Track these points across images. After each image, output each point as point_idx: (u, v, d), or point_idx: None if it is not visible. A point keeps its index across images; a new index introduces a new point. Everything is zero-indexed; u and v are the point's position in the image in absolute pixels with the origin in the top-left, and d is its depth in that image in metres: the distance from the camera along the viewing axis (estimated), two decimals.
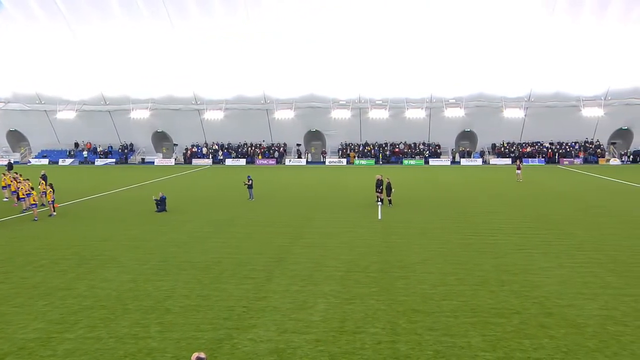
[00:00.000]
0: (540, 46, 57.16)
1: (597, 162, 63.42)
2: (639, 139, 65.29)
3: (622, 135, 66.53)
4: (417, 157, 66.59)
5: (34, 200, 27.85)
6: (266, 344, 11.08)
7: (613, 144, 67.28)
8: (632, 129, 65.30)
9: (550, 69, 59.19)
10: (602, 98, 62.57)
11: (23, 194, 29.53)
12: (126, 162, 69.85)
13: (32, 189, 29.52)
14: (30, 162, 69.55)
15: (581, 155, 64.43)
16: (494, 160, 65.26)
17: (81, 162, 69.63)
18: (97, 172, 57.40)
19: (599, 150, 65.19)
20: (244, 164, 67.34)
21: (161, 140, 72.92)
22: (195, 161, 68.44)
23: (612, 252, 18.43)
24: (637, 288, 14.49)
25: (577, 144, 66.07)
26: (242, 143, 70.53)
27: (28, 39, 60.66)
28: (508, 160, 64.22)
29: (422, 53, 58.29)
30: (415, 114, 65.39)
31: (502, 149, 66.54)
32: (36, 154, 71.57)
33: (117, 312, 13.04)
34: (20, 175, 32.18)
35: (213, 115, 67.42)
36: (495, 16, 55.45)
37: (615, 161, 63.69)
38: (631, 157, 64.24)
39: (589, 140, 66.37)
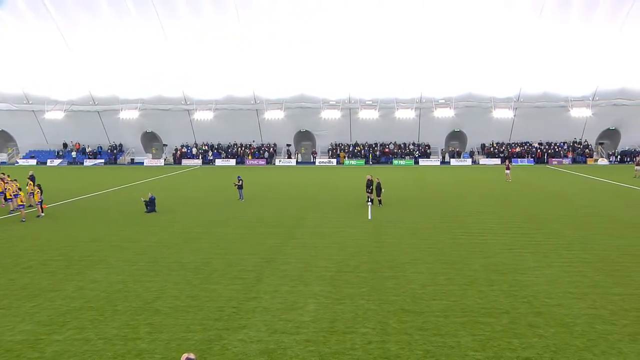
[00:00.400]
0: (528, 47, 57.55)
1: (585, 162, 63.93)
2: (626, 139, 65.95)
3: (610, 135, 67.15)
4: (406, 157, 66.77)
5: (21, 201, 27.62)
6: (256, 345, 11.05)
7: (601, 144, 67.91)
8: (619, 129, 65.94)
9: (539, 70, 59.64)
10: (590, 98, 63.15)
11: (10, 195, 29.29)
12: (115, 163, 69.51)
13: (20, 189, 29.28)
14: (18, 162, 69.02)
15: (570, 155, 64.92)
16: (483, 161, 65.58)
17: (70, 163, 69.19)
18: (86, 172, 57.05)
19: (587, 150, 65.71)
20: (234, 164, 67.24)
21: (151, 140, 72.65)
22: (185, 162, 68.25)
23: (600, 252, 18.57)
24: (624, 287, 14.61)
25: (565, 144, 66.55)
26: (232, 143, 70.42)
27: (16, 38, 60.20)
28: (497, 161, 64.57)
29: (411, 53, 58.49)
30: (405, 114, 65.60)
31: (492, 149, 66.89)
32: (24, 154, 71.05)
33: (106, 313, 12.96)
34: (8, 176, 31.90)
35: (203, 116, 67.29)
36: (484, 17, 55.76)
37: (603, 161, 64.24)
38: (619, 157, 64.85)
39: (578, 141, 66.91)
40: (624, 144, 66.15)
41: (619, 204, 30.30)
